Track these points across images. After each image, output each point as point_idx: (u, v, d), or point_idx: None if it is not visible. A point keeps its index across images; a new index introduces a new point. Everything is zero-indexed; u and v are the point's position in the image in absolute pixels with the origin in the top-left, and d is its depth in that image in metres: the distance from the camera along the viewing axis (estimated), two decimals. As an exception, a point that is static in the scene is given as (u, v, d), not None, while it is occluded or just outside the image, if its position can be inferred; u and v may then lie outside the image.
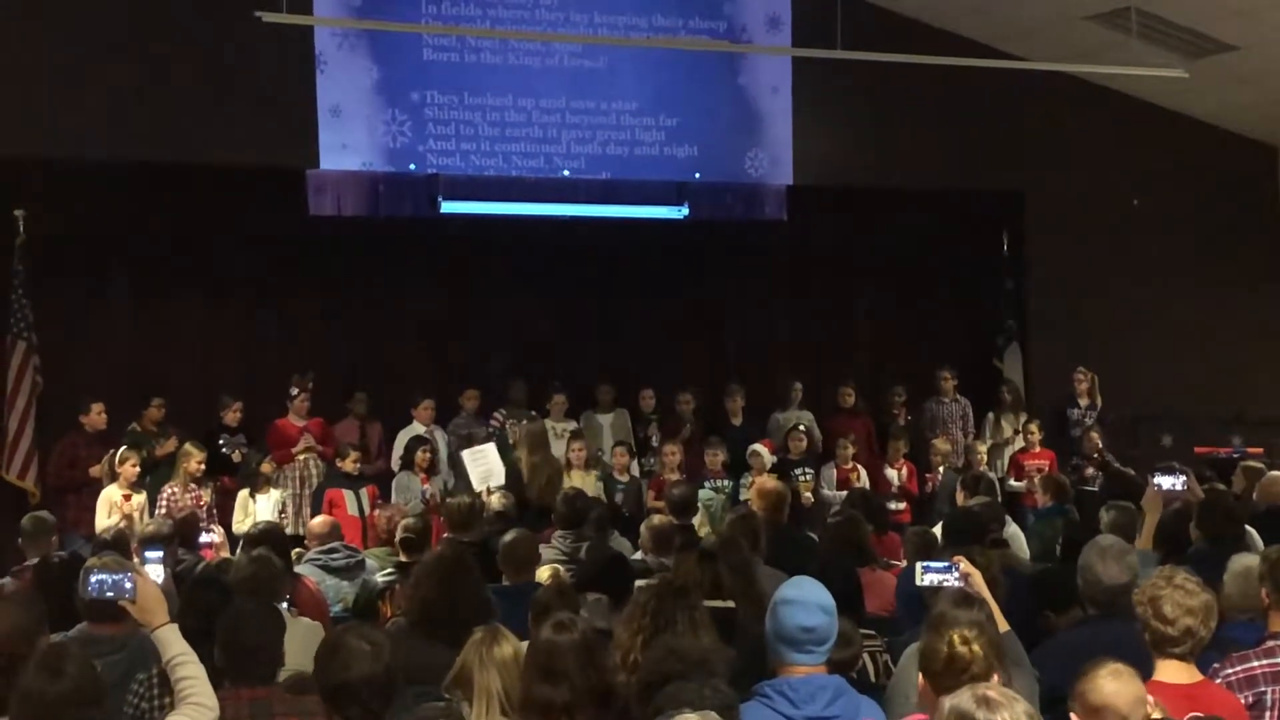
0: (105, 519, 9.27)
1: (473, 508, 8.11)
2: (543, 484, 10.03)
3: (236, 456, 10.71)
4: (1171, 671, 4.25)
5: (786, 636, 3.97)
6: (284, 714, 4.30)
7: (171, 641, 4.21)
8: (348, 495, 10.14)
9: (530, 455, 10.34)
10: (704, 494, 10.36)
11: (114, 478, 9.69)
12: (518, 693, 4.16)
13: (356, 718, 3.90)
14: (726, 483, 11.03)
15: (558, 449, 11.28)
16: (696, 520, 9.12)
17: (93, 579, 4.31)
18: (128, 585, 4.25)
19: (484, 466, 10.24)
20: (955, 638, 3.71)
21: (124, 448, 9.77)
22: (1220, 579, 5.37)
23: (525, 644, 4.40)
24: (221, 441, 10.82)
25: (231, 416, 11.04)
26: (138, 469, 9.70)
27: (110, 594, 4.28)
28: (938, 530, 7.69)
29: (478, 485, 9.89)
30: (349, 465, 10.34)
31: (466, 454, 10.50)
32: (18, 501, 10.51)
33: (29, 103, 11.04)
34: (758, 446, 11.39)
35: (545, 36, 12.34)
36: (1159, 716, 3.78)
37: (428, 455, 10.60)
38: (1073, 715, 3.72)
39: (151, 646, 4.47)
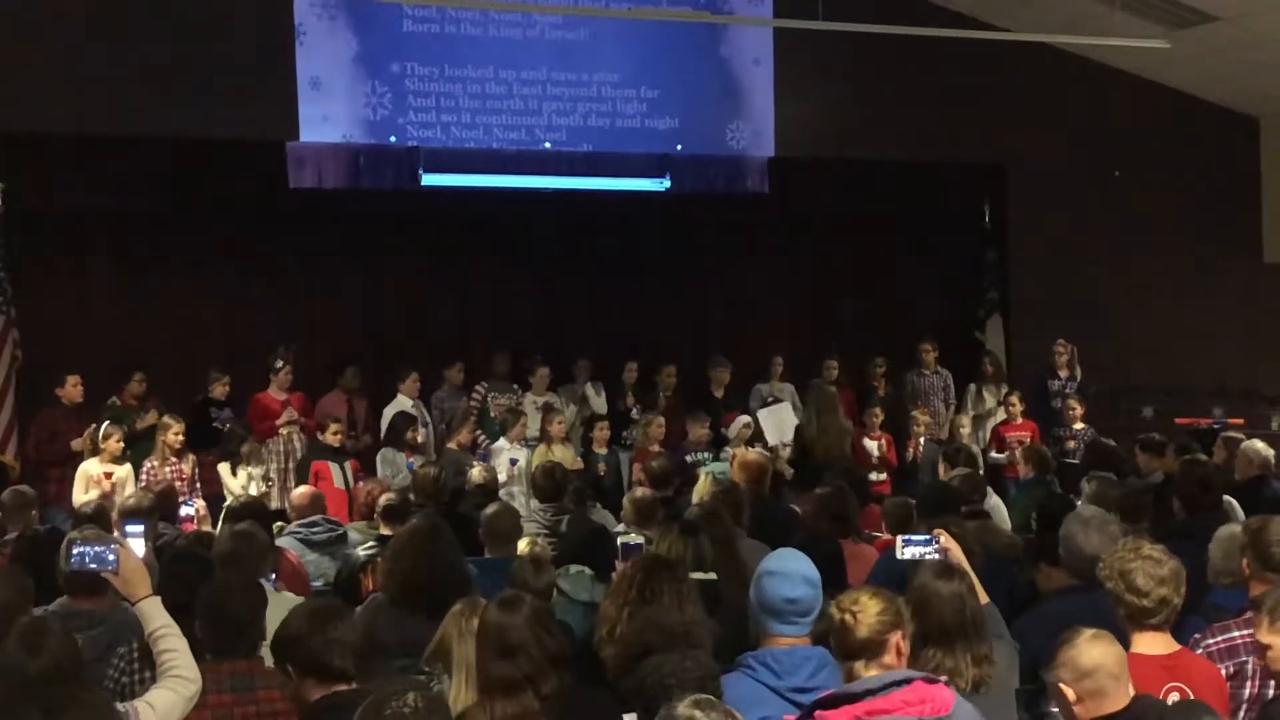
0: (83, 494, 9.22)
1: (438, 479, 8.13)
2: (830, 443, 10.98)
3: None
4: (1148, 643, 4.25)
5: (770, 608, 3.97)
6: (265, 687, 4.30)
7: (154, 614, 4.19)
8: (334, 468, 9.95)
9: (821, 416, 11.19)
10: (717, 466, 10.13)
11: (96, 452, 9.64)
12: None
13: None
14: (707, 455, 10.99)
15: (534, 422, 11.25)
16: (699, 491, 9.02)
17: (75, 551, 4.27)
18: (110, 557, 4.22)
19: (777, 421, 11.25)
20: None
21: (107, 423, 9.70)
22: (1200, 549, 5.40)
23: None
24: (213, 415, 10.78)
25: (220, 390, 10.98)
26: (121, 444, 9.63)
27: (92, 565, 4.25)
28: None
29: (772, 440, 11.00)
30: (330, 437, 10.26)
31: (763, 413, 11.43)
32: (-2, 476, 10.46)
33: (6, 77, 10.95)
34: (742, 417, 11.38)
35: (526, 8, 12.26)
36: None
37: (417, 435, 10.56)
38: (1060, 685, 3.72)
39: (132, 621, 4.47)
